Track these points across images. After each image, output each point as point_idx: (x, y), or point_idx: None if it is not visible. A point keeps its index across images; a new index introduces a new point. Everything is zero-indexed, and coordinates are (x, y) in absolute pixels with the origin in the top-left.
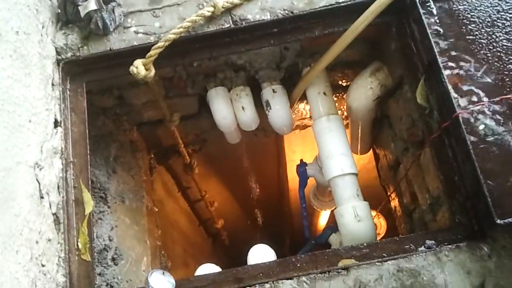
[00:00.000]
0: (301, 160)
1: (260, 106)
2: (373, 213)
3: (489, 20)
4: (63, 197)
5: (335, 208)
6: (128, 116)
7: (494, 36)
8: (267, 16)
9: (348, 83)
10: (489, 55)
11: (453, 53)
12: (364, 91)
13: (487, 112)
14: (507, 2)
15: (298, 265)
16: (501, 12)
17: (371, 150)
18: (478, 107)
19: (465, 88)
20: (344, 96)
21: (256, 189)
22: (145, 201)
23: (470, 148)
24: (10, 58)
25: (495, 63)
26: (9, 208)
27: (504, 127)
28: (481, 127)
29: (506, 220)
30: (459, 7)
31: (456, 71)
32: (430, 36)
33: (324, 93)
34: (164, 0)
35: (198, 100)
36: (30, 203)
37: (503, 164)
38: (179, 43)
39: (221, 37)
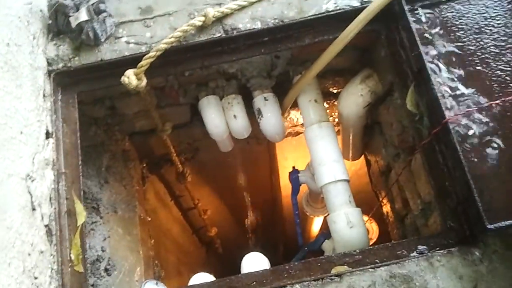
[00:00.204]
0: (293, 167)
1: (252, 114)
2: (365, 218)
3: (477, 27)
4: (55, 208)
5: (328, 215)
6: (120, 126)
7: (482, 43)
8: (258, 25)
9: (339, 90)
10: (477, 61)
11: (442, 59)
12: (354, 98)
13: (477, 118)
14: (494, 9)
15: (292, 272)
16: (489, 19)
17: (362, 156)
18: (467, 113)
19: (454, 94)
20: (335, 103)
21: (249, 197)
22: (137, 211)
23: (460, 154)
24: (1, 70)
25: (484, 69)
26: (1, 221)
27: (493, 132)
28: (471, 132)
29: (496, 225)
30: (447, 14)
31: (445, 77)
32: (419, 43)
33: (315, 101)
34: (155, 10)
35: (190, 109)
36: (22, 215)
37: (493, 168)
38: (170, 53)
39: (212, 46)
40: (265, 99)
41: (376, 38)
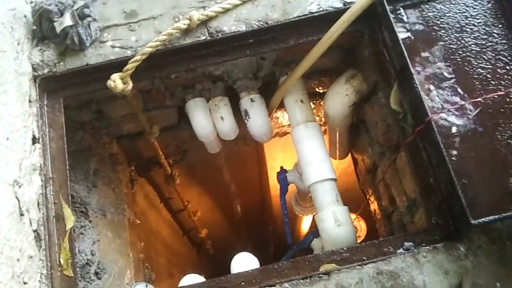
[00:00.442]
0: (281, 167)
1: (239, 115)
2: (353, 216)
3: (458, 25)
4: (43, 213)
5: (316, 214)
6: (107, 129)
7: (463, 41)
8: (243, 28)
9: (325, 90)
10: (459, 59)
11: (424, 58)
12: (340, 98)
13: (459, 115)
14: (474, 8)
15: (281, 271)
16: (469, 18)
17: (349, 155)
18: (450, 110)
19: (436, 92)
20: (321, 103)
21: (237, 197)
22: (126, 214)
23: (443, 151)
24: None
25: (465, 67)
26: None
27: (476, 128)
28: (454, 129)
29: (480, 220)
30: (429, 13)
31: (427, 76)
32: (401, 43)
33: (301, 101)
34: (140, 14)
35: (177, 111)
36: (10, 221)
37: (476, 164)
38: (156, 56)
39: (197, 49)
40: (252, 100)
41: (360, 38)
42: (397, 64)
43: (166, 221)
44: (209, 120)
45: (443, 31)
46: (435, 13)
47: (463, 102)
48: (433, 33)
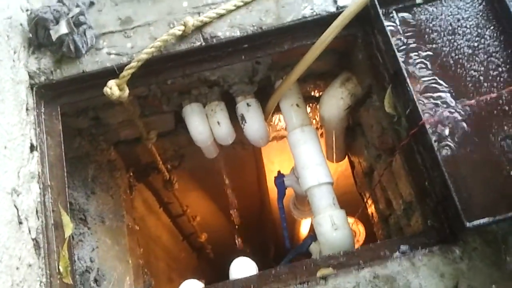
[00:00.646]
0: (279, 172)
1: (236, 119)
2: (351, 220)
3: (450, 28)
4: (42, 221)
5: (314, 217)
6: (104, 136)
7: (455, 44)
8: (237, 33)
9: (321, 93)
10: (451, 62)
11: (417, 61)
12: (335, 101)
13: (452, 118)
14: (466, 11)
15: (278, 277)
16: (461, 20)
17: (346, 158)
18: (443, 113)
19: (430, 95)
20: (317, 106)
21: (236, 201)
22: (125, 220)
23: (437, 154)
24: None
25: (458, 70)
26: None
27: (469, 131)
28: (447, 132)
29: (475, 223)
30: (421, 16)
31: (420, 79)
32: (394, 46)
33: (297, 105)
34: (135, 20)
35: (174, 117)
36: (8, 229)
37: (470, 167)
38: (151, 63)
39: (193, 55)
40: (248, 104)
41: (354, 42)
42: (390, 67)
43: (165, 226)
44: (205, 125)
45: (435, 34)
46: (427, 16)
47: (456, 105)
48: (426, 36)
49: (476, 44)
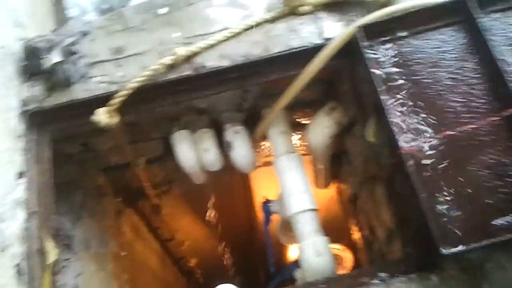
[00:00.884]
0: (266, 198)
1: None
2: (340, 246)
3: (432, 61)
4: (26, 248)
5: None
6: (93, 161)
7: (436, 76)
8: (226, 63)
9: (310, 121)
10: (433, 93)
11: (399, 93)
12: (321, 129)
13: (432, 148)
14: (448, 44)
15: None
16: (443, 53)
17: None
18: (422, 144)
19: (409, 125)
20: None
21: (226, 225)
22: (111, 246)
23: (416, 183)
24: None
25: (438, 101)
26: None
27: (448, 161)
28: (426, 161)
29: (451, 251)
30: (404, 49)
31: (401, 110)
32: (374, 78)
33: (284, 133)
34: (126, 50)
35: (163, 143)
36: None
37: (447, 196)
38: (141, 91)
39: (182, 84)
40: (236, 132)
41: (339, 73)
42: (372, 98)
43: (154, 250)
44: (193, 152)
45: (417, 66)
46: (409, 49)
47: (436, 135)
48: (409, 68)
49: (457, 76)
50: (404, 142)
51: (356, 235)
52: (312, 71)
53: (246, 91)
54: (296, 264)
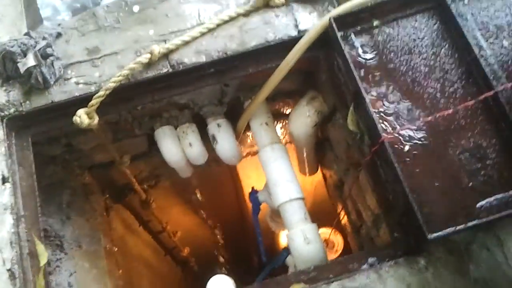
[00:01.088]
0: (252, 188)
1: (209, 139)
2: (329, 230)
3: (407, 48)
4: (16, 252)
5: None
6: (78, 161)
7: (412, 63)
8: (203, 59)
9: (291, 110)
10: (408, 80)
11: (376, 81)
12: (303, 119)
13: (411, 134)
14: (421, 31)
15: None
16: (417, 40)
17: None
18: (402, 130)
19: (388, 112)
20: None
21: (217, 214)
22: (102, 243)
23: (398, 170)
24: None
25: (415, 88)
26: None
27: (428, 146)
28: (406, 148)
29: (436, 235)
30: (379, 38)
31: (379, 98)
32: (353, 68)
33: (267, 124)
34: (102, 50)
35: (147, 139)
36: None
37: (430, 181)
38: (120, 90)
39: (160, 81)
40: (218, 125)
41: (317, 63)
42: (350, 87)
43: (147, 243)
44: (178, 147)
45: (392, 54)
46: (384, 37)
47: (414, 121)
48: (384, 56)
49: (432, 62)
50: (384, 130)
51: (343, 219)
52: (289, 63)
53: (226, 85)
54: (287, 251)
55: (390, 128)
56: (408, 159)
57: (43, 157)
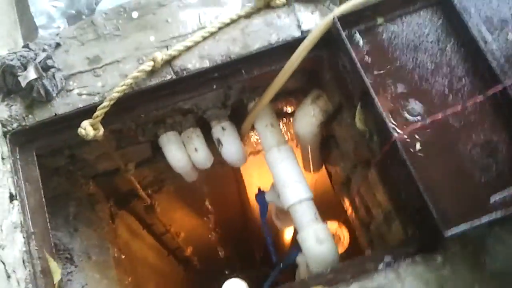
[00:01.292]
0: (259, 189)
1: (213, 142)
2: (335, 224)
3: (412, 45)
4: (29, 270)
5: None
6: (82, 171)
7: (418, 60)
8: (206, 63)
9: (293, 109)
10: (416, 78)
11: (383, 79)
12: (308, 118)
13: (422, 132)
14: (425, 27)
15: None
16: (422, 37)
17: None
18: (413, 129)
19: (397, 111)
20: (291, 122)
21: (220, 213)
22: (111, 253)
23: (411, 168)
24: None
25: (423, 85)
26: None
27: (439, 143)
28: (418, 146)
29: (453, 232)
30: (384, 36)
31: (388, 96)
32: (359, 67)
33: (272, 125)
34: (103, 59)
35: (151, 145)
36: None
37: (443, 178)
38: (124, 100)
39: (164, 88)
40: (223, 128)
41: (321, 62)
42: (358, 86)
43: (150, 245)
44: (183, 153)
45: (398, 52)
46: (389, 35)
47: (424, 119)
48: (389, 54)
49: (438, 58)
50: (395, 129)
51: (350, 215)
52: (293, 64)
53: (229, 88)
54: (297, 249)
55: (400, 127)
56: (420, 158)
57: (46, 169)
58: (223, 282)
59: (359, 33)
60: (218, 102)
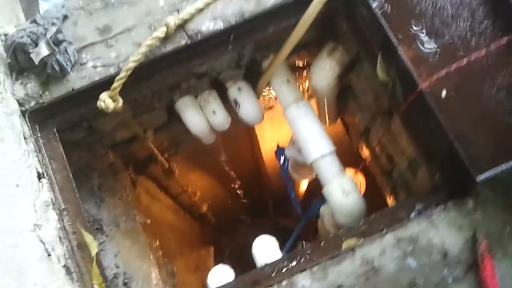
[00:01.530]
0: (278, 145)
1: (229, 103)
2: (352, 171)
3: None
4: (66, 246)
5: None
6: (100, 142)
7: (438, 4)
8: (220, 25)
9: (306, 63)
10: (437, 23)
11: (404, 27)
12: (324, 72)
13: (447, 79)
14: None
15: (307, 257)
16: None
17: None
18: (437, 76)
19: (421, 59)
20: (303, 75)
21: (234, 168)
22: (138, 219)
23: (439, 116)
24: None
25: (445, 31)
26: (26, 282)
27: (464, 88)
28: (444, 93)
29: (484, 176)
30: None
31: (409, 44)
32: (379, 16)
33: (288, 81)
34: (114, 28)
35: (167, 110)
36: (42, 266)
37: (471, 123)
38: (140, 69)
39: (179, 54)
40: (239, 89)
41: (336, 13)
42: (378, 37)
43: (167, 206)
44: (201, 116)
45: None
46: None
47: (448, 65)
48: (408, 1)
49: (458, 2)
50: (420, 78)
51: (370, 163)
52: (310, 17)
53: (242, 47)
54: (320, 201)
55: (425, 75)
56: (447, 105)
57: (66, 144)
58: (240, 228)
59: None
60: (232, 63)
